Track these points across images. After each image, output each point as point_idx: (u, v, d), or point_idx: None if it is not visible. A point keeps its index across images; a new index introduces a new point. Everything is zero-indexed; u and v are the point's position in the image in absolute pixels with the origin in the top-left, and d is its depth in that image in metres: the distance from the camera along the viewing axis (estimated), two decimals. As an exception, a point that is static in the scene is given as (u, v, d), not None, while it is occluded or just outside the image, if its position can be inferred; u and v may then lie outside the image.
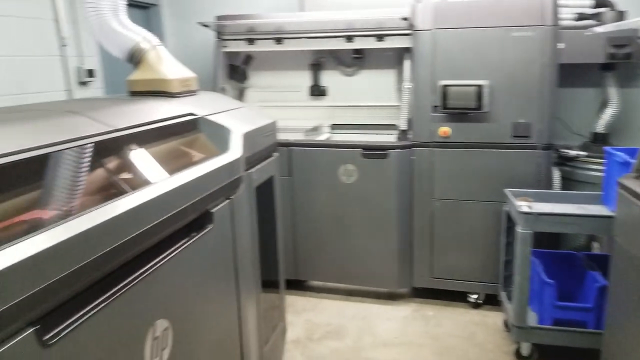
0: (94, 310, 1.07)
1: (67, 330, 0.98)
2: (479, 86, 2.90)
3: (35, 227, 1.00)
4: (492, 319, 3.06)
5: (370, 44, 3.33)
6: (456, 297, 3.24)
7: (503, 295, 2.89)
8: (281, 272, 2.57)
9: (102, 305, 1.09)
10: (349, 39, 3.34)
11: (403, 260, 3.24)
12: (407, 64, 3.27)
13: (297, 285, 3.46)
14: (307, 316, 3.15)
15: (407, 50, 3.24)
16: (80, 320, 1.03)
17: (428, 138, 3.07)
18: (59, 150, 1.24)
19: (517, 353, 2.64)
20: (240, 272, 1.86)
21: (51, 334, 0.95)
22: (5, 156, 1.08)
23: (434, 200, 3.13)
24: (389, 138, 3.38)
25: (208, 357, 1.64)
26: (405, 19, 3.07)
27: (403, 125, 3.28)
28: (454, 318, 3.09)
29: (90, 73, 3.08)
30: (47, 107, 1.69)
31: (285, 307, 2.72)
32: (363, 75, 3.60)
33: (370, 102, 3.58)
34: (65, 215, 1.10)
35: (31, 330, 0.91)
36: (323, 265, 3.36)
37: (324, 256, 3.34)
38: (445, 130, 3.03)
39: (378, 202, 3.17)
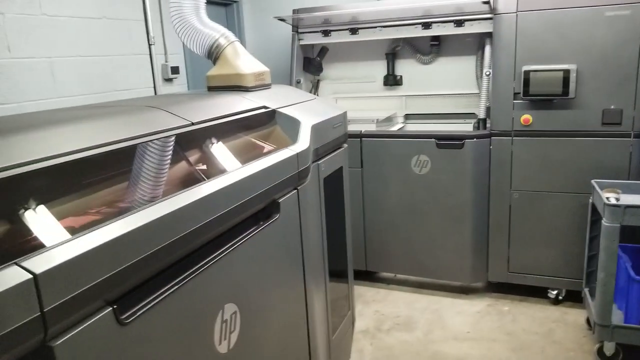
0: (168, 292, 1.15)
1: (142, 311, 1.07)
2: (566, 71, 2.73)
3: (115, 213, 1.10)
4: (573, 316, 2.91)
5: (449, 30, 3.24)
6: (534, 292, 3.10)
7: (586, 292, 2.72)
8: (350, 262, 2.60)
9: (175, 287, 1.18)
10: (427, 26, 3.27)
11: (478, 253, 3.15)
12: (487, 50, 3.14)
13: (367, 276, 3.48)
14: (376, 307, 3.16)
15: (487, 35, 3.11)
16: (155, 301, 1.11)
17: (508, 127, 2.94)
18: (140, 143, 1.35)
19: (600, 352, 2.49)
20: (307, 261, 1.92)
21: (128, 313, 1.04)
22: (92, 149, 1.20)
23: (512, 192, 3.00)
24: (465, 127, 3.28)
25: (275, 343, 1.71)
26: (486, 2, 2.94)
27: (482, 114, 3.16)
28: (531, 314, 2.96)
29: (175, 70, 3.28)
30: (132, 103, 1.83)
31: (355, 297, 2.75)
32: (440, 63, 3.51)
33: (447, 91, 3.48)
34: (142, 203, 1.20)
35: (109, 309, 1.00)
36: (393, 257, 3.34)
37: (394, 248, 3.32)
38: (526, 118, 2.89)
39: (452, 193, 3.09)
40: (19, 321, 0.81)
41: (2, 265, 0.83)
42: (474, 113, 3.34)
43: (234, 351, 1.42)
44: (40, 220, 1.02)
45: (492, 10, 2.94)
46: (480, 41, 3.29)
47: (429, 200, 3.15)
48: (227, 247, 1.41)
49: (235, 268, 1.45)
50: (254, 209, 1.57)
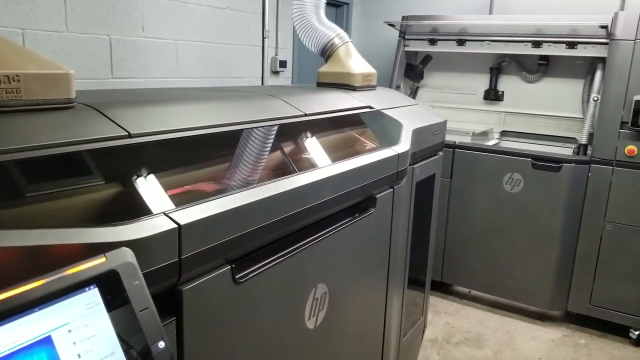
0: (274, 263, 1.27)
1: (254, 274, 1.20)
2: (683, 106, 2.58)
3: (236, 186, 1.24)
4: (656, 363, 2.75)
5: (560, 51, 3.17)
6: (615, 329, 2.96)
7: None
8: (429, 270, 2.63)
9: (280, 260, 1.30)
10: (537, 44, 3.21)
11: (560, 281, 3.05)
12: (597, 75, 3.03)
13: (440, 287, 3.47)
14: (447, 319, 3.15)
15: (600, 60, 3.01)
16: (263, 269, 1.24)
17: (610, 156, 2.83)
18: (262, 126, 1.49)
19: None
20: (393, 259, 1.98)
21: (242, 274, 1.17)
22: (224, 126, 1.35)
23: (605, 223, 2.88)
24: (564, 151, 3.18)
25: (355, 330, 1.79)
26: (603, 26, 2.85)
27: (583, 140, 3.06)
28: (609, 352, 2.83)
29: (283, 64, 3.46)
30: (252, 90, 2.00)
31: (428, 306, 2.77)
32: (545, 83, 3.43)
33: (549, 112, 3.40)
34: (259, 180, 1.33)
35: (228, 267, 1.13)
36: (471, 272, 3.31)
37: (473, 263, 3.29)
38: (631, 149, 2.77)
39: (542, 216, 3.02)
40: (162, 263, 0.95)
41: (154, 214, 0.98)
42: (574, 138, 3.24)
43: (319, 329, 1.52)
44: (176, 182, 1.18)
45: (610, 36, 2.84)
46: (591, 65, 3.17)
47: (516, 220, 3.10)
48: (326, 231, 1.51)
49: (330, 252, 1.56)
50: (354, 200, 1.66)
